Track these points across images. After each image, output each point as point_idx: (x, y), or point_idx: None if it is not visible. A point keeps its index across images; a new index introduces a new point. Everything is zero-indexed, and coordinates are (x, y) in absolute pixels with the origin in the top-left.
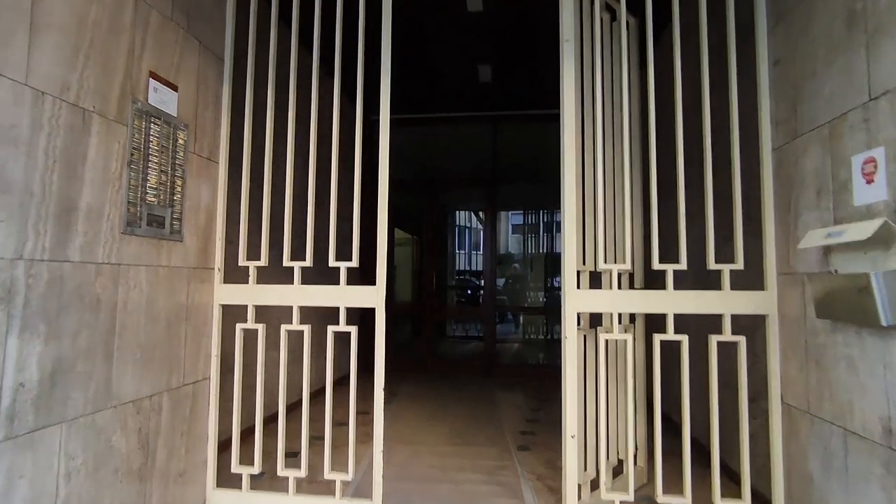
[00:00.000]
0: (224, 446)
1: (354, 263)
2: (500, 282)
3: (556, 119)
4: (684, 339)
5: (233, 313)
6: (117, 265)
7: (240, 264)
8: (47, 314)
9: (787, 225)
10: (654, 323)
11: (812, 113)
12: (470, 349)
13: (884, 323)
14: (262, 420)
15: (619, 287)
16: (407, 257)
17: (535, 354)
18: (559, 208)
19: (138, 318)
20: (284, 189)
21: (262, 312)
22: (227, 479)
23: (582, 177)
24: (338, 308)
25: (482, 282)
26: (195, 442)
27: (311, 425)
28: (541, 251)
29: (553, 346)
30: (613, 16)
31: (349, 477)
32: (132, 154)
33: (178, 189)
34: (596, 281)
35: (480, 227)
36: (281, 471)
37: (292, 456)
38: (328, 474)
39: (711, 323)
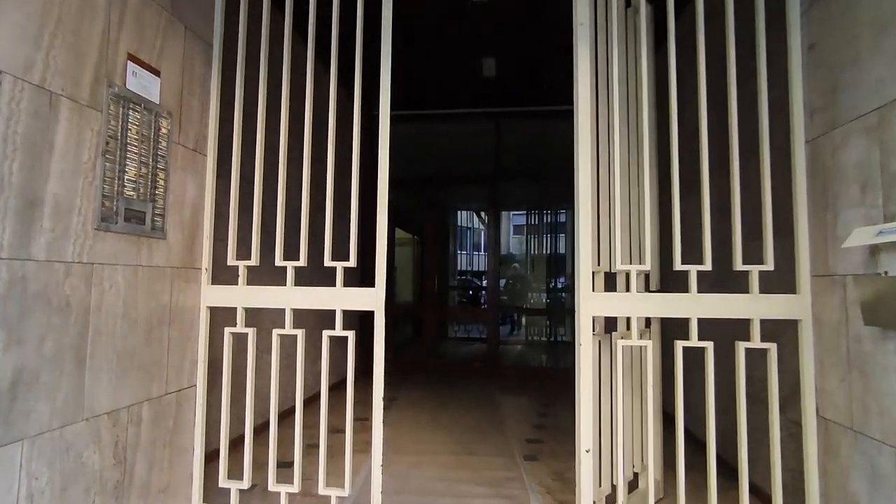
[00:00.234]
0: (212, 458)
1: (352, 263)
2: (501, 282)
3: (561, 116)
4: (709, 345)
5: (223, 316)
6: (90, 264)
7: (228, 264)
8: (7, 318)
9: (822, 223)
10: (670, 328)
11: (854, 101)
12: (472, 351)
13: None
14: (253, 430)
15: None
16: (407, 258)
17: (538, 357)
18: (563, 207)
19: (115, 322)
20: (277, 184)
21: (255, 316)
22: (214, 494)
23: (596, 171)
24: (334, 311)
25: (483, 282)
26: (180, 454)
27: (306, 432)
28: (543, 252)
29: (556, 349)
30: (629, 1)
31: (346, 492)
32: (108, 143)
33: (161, 182)
34: (609, 283)
35: (481, 227)
36: (272, 485)
37: (286, 466)
38: (323, 489)
39: (729, 328)
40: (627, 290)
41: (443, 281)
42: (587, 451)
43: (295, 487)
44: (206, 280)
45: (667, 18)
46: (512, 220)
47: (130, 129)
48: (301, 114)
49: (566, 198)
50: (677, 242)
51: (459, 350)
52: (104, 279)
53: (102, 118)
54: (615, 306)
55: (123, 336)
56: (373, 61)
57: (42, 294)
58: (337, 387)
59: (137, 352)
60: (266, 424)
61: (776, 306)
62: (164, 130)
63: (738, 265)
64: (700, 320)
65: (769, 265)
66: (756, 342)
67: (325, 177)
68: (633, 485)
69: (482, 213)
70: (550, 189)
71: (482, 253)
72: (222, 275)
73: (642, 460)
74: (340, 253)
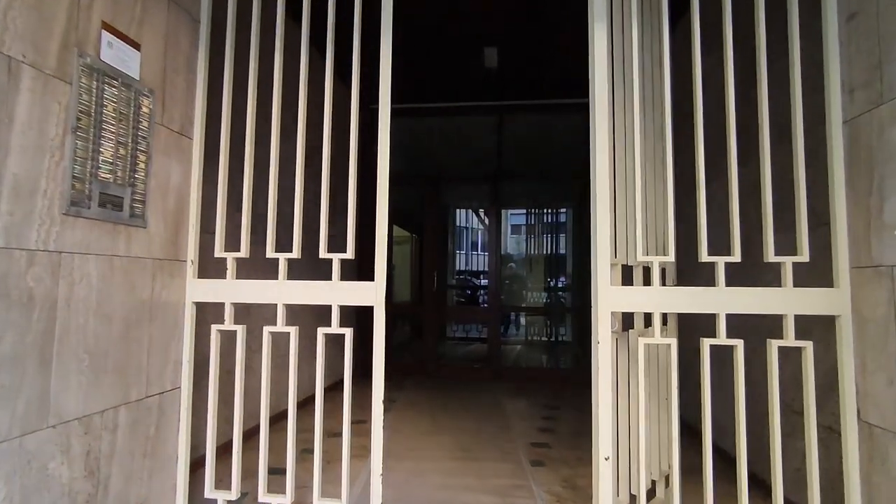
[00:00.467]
0: (197, 466)
1: (349, 255)
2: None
3: (567, 109)
4: (739, 343)
5: (213, 312)
6: (57, 253)
7: (216, 256)
8: None
9: (864, 209)
10: (688, 324)
11: None
12: (471, 351)
13: None
14: (242, 436)
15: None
16: (405, 256)
17: (537, 356)
18: (566, 206)
19: (87, 319)
20: (269, 170)
21: (245, 312)
22: None
23: (613, 155)
24: (329, 307)
25: (482, 281)
26: (161, 463)
27: (300, 436)
28: (543, 251)
29: (557, 349)
30: None
31: (343, 502)
32: (79, 118)
33: (142, 165)
34: (625, 276)
35: (479, 226)
36: (263, 495)
37: (279, 473)
38: (318, 500)
39: (752, 324)
40: (645, 283)
41: (442, 280)
42: (606, 459)
43: (288, 497)
44: (191, 273)
45: None
46: (510, 219)
47: (106, 106)
48: (295, 94)
49: (568, 196)
50: (703, 232)
51: (458, 350)
52: (74, 270)
53: (72, 91)
54: (637, 301)
55: (97, 334)
56: (370, 47)
57: None
58: (332, 388)
59: (113, 351)
60: (256, 429)
61: (812, 301)
62: (145, 109)
63: (770, 256)
64: (708, 316)
65: (804, 256)
66: (790, 340)
67: (320, 162)
68: (649, 493)
69: (482, 212)
70: (555, 186)
71: (479, 252)
72: (209, 268)
73: (659, 467)
74: (337, 246)
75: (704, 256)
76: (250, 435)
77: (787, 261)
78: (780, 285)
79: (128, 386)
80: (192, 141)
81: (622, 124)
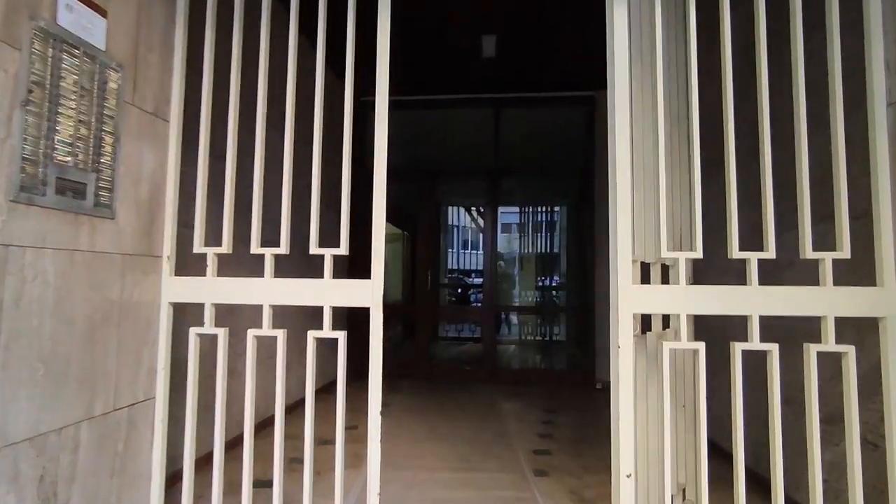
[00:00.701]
0: (173, 481)
1: (343, 251)
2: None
3: (569, 102)
4: (774, 348)
5: (193, 314)
6: (4, 246)
7: (195, 251)
8: None
9: None
10: (702, 326)
11: None
12: (464, 351)
13: None
14: (224, 447)
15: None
16: (397, 255)
17: (532, 357)
18: (566, 204)
19: (41, 321)
20: (254, 157)
21: (229, 312)
22: None
23: (631, 142)
24: (321, 308)
25: (474, 280)
26: (132, 482)
27: (288, 443)
28: (537, 250)
29: (551, 349)
30: None
31: None
32: (30, 91)
33: (108, 149)
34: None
35: (472, 225)
36: None
37: (265, 486)
38: None
39: (776, 327)
40: (662, 282)
41: (434, 279)
42: (628, 477)
43: None
44: (167, 270)
45: None
46: (501, 217)
47: (64, 77)
48: (282, 76)
49: (568, 193)
50: (734, 225)
51: (451, 351)
52: (26, 266)
53: (21, 58)
54: (662, 301)
55: (54, 339)
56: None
57: None
58: (323, 390)
59: (74, 359)
60: (240, 438)
61: (854, 301)
62: (112, 85)
63: (808, 252)
64: (713, 318)
65: (845, 252)
66: (830, 344)
67: (310, 151)
68: None
69: (476, 210)
70: (555, 183)
71: (470, 251)
72: (188, 264)
73: (676, 480)
74: (328, 241)
75: (735, 252)
76: (233, 445)
77: (827, 257)
78: (788, 284)
79: (92, 398)
80: (169, 124)
81: (640, 109)
